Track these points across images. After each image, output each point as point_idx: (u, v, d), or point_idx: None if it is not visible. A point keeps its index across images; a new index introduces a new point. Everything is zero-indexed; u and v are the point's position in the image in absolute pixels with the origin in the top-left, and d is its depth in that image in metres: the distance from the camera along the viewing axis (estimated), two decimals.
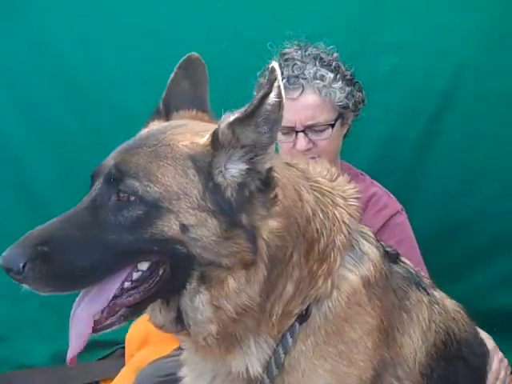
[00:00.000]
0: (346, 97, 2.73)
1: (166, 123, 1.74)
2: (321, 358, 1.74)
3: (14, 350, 3.86)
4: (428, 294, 2.01)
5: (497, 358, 2.32)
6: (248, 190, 1.57)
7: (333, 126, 2.70)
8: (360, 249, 1.82)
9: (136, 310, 1.61)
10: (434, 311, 2.00)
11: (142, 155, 1.56)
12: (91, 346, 3.75)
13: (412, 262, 2.53)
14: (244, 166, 1.57)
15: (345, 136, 2.87)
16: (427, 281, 2.10)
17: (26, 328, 3.86)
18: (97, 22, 3.67)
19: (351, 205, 1.83)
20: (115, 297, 1.58)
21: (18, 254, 1.48)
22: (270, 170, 1.58)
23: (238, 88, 2.91)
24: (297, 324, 1.71)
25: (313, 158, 2.65)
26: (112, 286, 1.57)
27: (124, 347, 3.62)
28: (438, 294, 2.10)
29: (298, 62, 2.68)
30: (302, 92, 2.64)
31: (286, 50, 2.74)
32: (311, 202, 1.71)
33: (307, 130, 2.65)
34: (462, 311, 2.16)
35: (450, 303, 2.13)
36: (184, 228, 1.52)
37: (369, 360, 1.79)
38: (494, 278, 3.63)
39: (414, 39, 3.46)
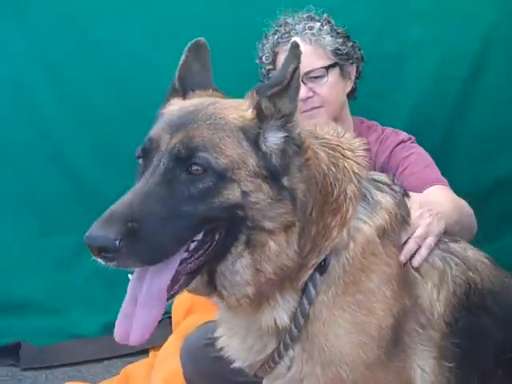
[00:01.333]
0: (338, 44, 2.81)
1: (198, 100, 1.81)
2: (340, 308, 1.81)
3: (66, 320, 3.96)
4: (443, 244, 2.03)
5: (418, 216, 2.09)
6: (288, 154, 1.69)
7: (327, 69, 2.77)
8: (373, 198, 1.88)
9: (193, 276, 1.70)
10: (450, 263, 2.00)
11: (203, 129, 1.65)
12: None
13: (417, 167, 2.66)
14: (283, 134, 1.70)
15: (351, 95, 2.94)
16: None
17: (78, 299, 3.95)
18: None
19: (359, 155, 1.90)
20: (178, 267, 1.65)
21: (111, 232, 1.50)
22: (299, 134, 1.71)
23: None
24: (317, 275, 1.78)
25: (316, 108, 2.77)
26: (175, 258, 1.63)
27: (171, 317, 3.74)
28: (459, 245, 2.08)
29: (290, 21, 2.82)
30: None
31: (279, 20, 2.87)
32: (325, 159, 1.79)
33: (305, 78, 2.72)
34: (487, 262, 2.12)
35: (474, 254, 2.10)
36: (245, 194, 1.63)
37: (388, 308, 1.84)
38: None
39: (441, 6, 3.46)
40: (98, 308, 3.97)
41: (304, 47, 2.61)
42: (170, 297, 1.67)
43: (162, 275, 1.63)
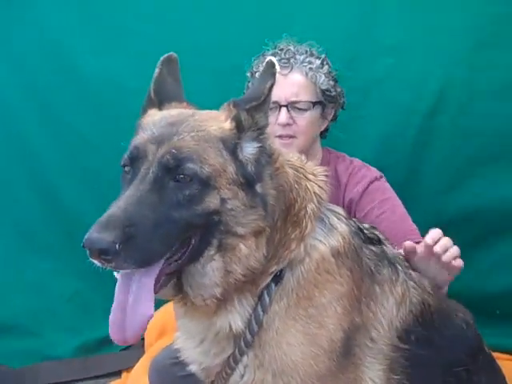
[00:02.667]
0: (330, 86, 2.95)
1: (177, 112, 1.94)
2: (292, 319, 1.91)
3: (40, 342, 4.00)
4: (401, 270, 2.17)
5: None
6: (261, 163, 1.84)
7: (314, 105, 2.89)
8: (330, 223, 2.02)
9: (171, 277, 1.83)
10: (409, 286, 2.16)
11: (188, 141, 1.79)
12: None
13: (397, 216, 2.76)
14: (257, 144, 1.87)
15: (322, 135, 3.08)
16: (404, 263, 2.25)
17: (52, 322, 4.00)
18: (108, 25, 3.82)
19: (321, 180, 2.04)
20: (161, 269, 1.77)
21: (111, 236, 1.60)
22: (270, 145, 1.89)
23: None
24: (273, 284, 1.89)
25: (290, 136, 2.88)
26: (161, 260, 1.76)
27: (143, 339, 3.77)
28: (415, 273, 2.25)
29: (291, 49, 2.94)
30: (291, 71, 2.88)
31: (281, 44, 2.98)
32: (291, 174, 1.95)
33: (290, 106, 2.85)
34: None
35: (427, 281, 2.26)
36: (223, 201, 1.78)
37: (338, 323, 1.94)
38: (493, 263, 3.74)
39: (407, 41, 3.58)
40: (72, 330, 4.03)
41: (299, 77, 2.85)
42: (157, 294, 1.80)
43: (150, 275, 1.74)
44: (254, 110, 1.85)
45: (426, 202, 3.58)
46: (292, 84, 2.86)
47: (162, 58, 2.04)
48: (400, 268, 2.18)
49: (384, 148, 3.65)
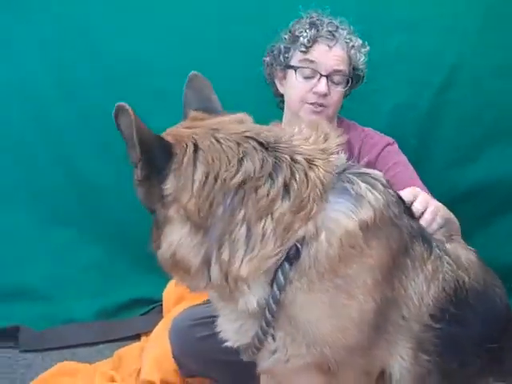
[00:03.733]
0: (362, 66, 3.03)
1: None
2: (318, 291, 1.88)
3: (60, 307, 4.09)
4: (435, 247, 2.10)
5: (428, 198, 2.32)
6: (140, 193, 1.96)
7: (348, 80, 2.97)
8: (356, 192, 1.92)
9: None
10: (443, 262, 2.09)
11: None
12: (132, 304, 4.16)
13: (408, 176, 2.80)
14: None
15: None
16: (439, 236, 2.19)
17: (72, 287, 4.10)
18: (129, 5, 3.86)
19: (330, 161, 1.96)
20: None
21: None
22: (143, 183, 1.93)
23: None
24: (286, 264, 1.86)
25: (322, 106, 2.93)
26: None
27: (162, 304, 3.92)
28: (451, 245, 2.18)
29: (333, 22, 2.98)
30: (336, 44, 2.93)
31: (315, 14, 3.01)
32: (254, 168, 1.87)
33: (330, 77, 2.91)
34: (475, 260, 2.23)
35: (465, 253, 2.21)
36: None
37: (369, 294, 1.91)
38: (507, 235, 3.83)
39: (421, 17, 3.65)
40: (91, 295, 4.13)
41: (341, 51, 2.92)
42: None
43: None
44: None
45: (438, 175, 3.62)
46: (336, 56, 2.92)
47: (186, 82, 2.15)
48: (435, 244, 2.12)
49: (396, 120, 3.71)
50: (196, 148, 1.89)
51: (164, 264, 1.96)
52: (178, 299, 3.71)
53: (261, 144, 1.92)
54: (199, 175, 1.86)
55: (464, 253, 2.21)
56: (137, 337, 3.95)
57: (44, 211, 4.12)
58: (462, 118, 3.74)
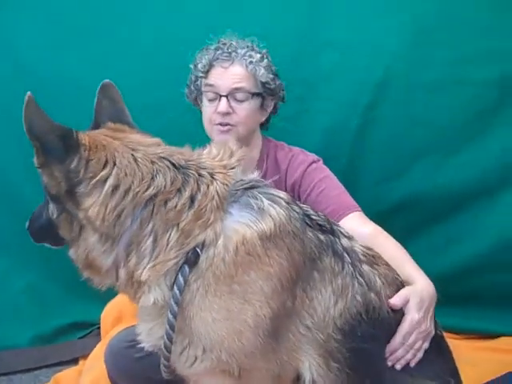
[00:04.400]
0: (269, 79, 3.04)
1: None
2: (214, 295, 2.00)
3: None
4: (349, 263, 2.20)
5: (410, 319, 2.28)
6: (44, 182, 2.08)
7: (252, 95, 2.99)
8: (259, 207, 2.07)
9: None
10: (353, 281, 2.19)
11: None
12: (70, 328, 4.10)
13: (336, 191, 2.88)
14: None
15: (263, 127, 3.19)
16: (358, 258, 2.26)
17: (7, 313, 4.07)
18: (62, 22, 3.89)
19: (228, 175, 2.13)
20: None
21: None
22: (43, 169, 2.05)
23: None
24: (186, 266, 1.98)
25: (229, 125, 2.97)
26: None
27: (99, 327, 3.90)
28: (370, 268, 2.27)
29: (233, 43, 3.03)
30: (232, 63, 2.97)
31: (224, 39, 3.08)
32: (165, 183, 2.03)
33: (230, 96, 2.95)
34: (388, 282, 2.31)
35: (383, 281, 2.29)
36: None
37: (265, 301, 2.02)
38: (432, 248, 3.90)
39: (350, 37, 3.74)
40: (27, 320, 4.10)
41: (240, 69, 2.96)
42: None
43: None
44: None
45: (368, 191, 3.70)
46: (233, 75, 2.97)
47: (98, 88, 2.23)
48: (349, 261, 2.21)
49: (328, 139, 3.78)
50: (114, 165, 2.03)
51: (77, 262, 2.12)
52: (115, 321, 3.72)
53: (173, 164, 2.08)
54: (107, 187, 2.00)
55: (378, 279, 2.30)
56: (75, 361, 3.93)
57: None
58: (391, 134, 3.83)
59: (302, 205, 2.30)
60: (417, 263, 2.52)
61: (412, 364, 2.26)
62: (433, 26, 3.73)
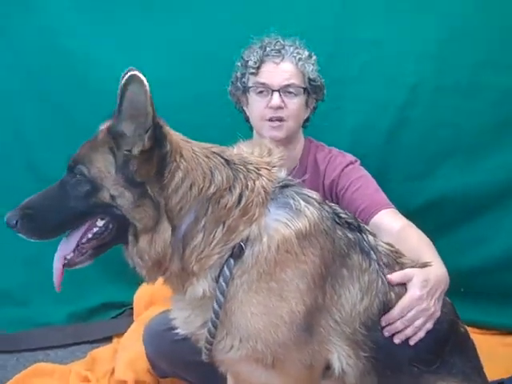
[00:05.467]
0: (315, 76, 3.15)
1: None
2: (254, 291, 2.12)
3: (33, 311, 4.24)
4: (375, 261, 2.30)
5: (410, 295, 2.33)
6: (133, 169, 2.06)
7: (304, 90, 3.09)
8: (296, 207, 2.18)
9: (98, 251, 2.20)
10: (378, 280, 2.30)
11: (85, 147, 2.14)
12: (103, 308, 4.25)
13: (371, 190, 2.96)
14: (126, 151, 2.07)
15: (304, 125, 3.25)
16: (381, 257, 2.35)
17: (45, 292, 4.09)
18: (100, 11, 4.01)
19: (272, 172, 2.25)
20: (82, 243, 2.15)
21: (12, 215, 2.09)
22: (143, 154, 2.05)
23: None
24: (231, 260, 2.11)
25: (282, 120, 3.05)
26: (77, 235, 2.15)
27: (132, 308, 4.06)
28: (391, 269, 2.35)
29: (280, 41, 3.11)
30: (283, 59, 3.06)
31: (267, 38, 3.16)
32: (223, 181, 2.13)
33: (282, 90, 3.03)
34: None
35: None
36: (112, 197, 2.07)
37: (300, 298, 2.14)
38: (460, 242, 4.02)
39: (383, 38, 3.83)
40: (64, 299, 4.17)
41: (290, 66, 3.05)
42: (78, 263, 2.21)
43: (64, 246, 2.17)
44: (115, 121, 2.07)
45: (396, 191, 3.67)
46: (284, 71, 3.05)
47: (124, 80, 2.21)
48: (374, 258, 2.31)
49: (359, 138, 3.88)
50: (181, 156, 2.12)
51: (149, 255, 2.12)
52: (148, 303, 3.87)
53: (226, 160, 2.20)
54: (177, 178, 2.09)
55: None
56: (108, 339, 4.08)
57: None
58: (420, 135, 3.93)
59: (331, 204, 2.42)
60: (443, 260, 2.57)
61: (412, 342, 2.32)
62: (463, 28, 3.81)
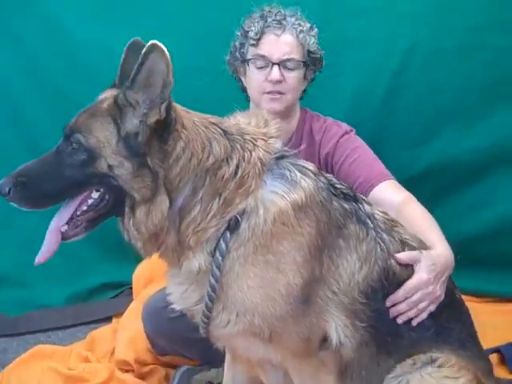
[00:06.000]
0: (315, 48, 3.08)
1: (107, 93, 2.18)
2: (251, 264, 2.10)
3: (32, 292, 4.22)
4: (372, 229, 2.28)
5: (417, 277, 2.33)
6: (143, 139, 2.02)
7: (304, 63, 3.03)
8: (292, 178, 2.15)
9: (93, 224, 2.15)
10: (377, 247, 2.28)
11: (83, 115, 2.08)
12: (102, 288, 4.22)
13: (369, 159, 2.92)
14: (137, 120, 2.02)
15: (301, 96, 3.19)
16: (378, 224, 2.33)
17: (43, 274, 4.16)
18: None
19: (269, 143, 2.22)
20: (77, 215, 2.11)
21: (5, 183, 2.04)
22: (156, 124, 2.01)
23: None
24: (227, 233, 2.08)
25: (281, 93, 3.00)
26: (72, 207, 2.10)
27: (131, 287, 4.02)
28: (388, 236, 2.34)
29: (282, 11, 3.04)
30: (284, 31, 2.99)
31: (268, 7, 3.08)
32: (221, 152, 2.10)
33: (282, 64, 2.97)
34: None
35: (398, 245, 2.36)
36: (111, 167, 2.02)
37: (297, 270, 2.12)
38: (458, 209, 3.99)
39: (376, 4, 3.79)
40: (62, 280, 4.25)
41: (291, 38, 2.98)
42: (73, 236, 2.15)
43: (59, 218, 2.12)
44: (126, 90, 2.02)
45: (394, 157, 3.67)
46: (285, 44, 2.98)
47: (127, 44, 2.21)
48: (371, 226, 2.30)
49: (355, 105, 3.83)
50: (182, 126, 2.08)
51: (145, 227, 2.07)
52: (146, 281, 3.83)
53: (223, 131, 2.15)
54: (179, 148, 2.05)
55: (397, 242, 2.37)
56: (108, 319, 4.06)
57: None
58: (417, 100, 3.87)
59: (327, 175, 2.38)
60: (441, 227, 2.55)
61: (414, 323, 2.33)
62: None
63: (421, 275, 2.33)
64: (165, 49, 1.92)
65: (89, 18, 3.98)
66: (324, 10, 3.75)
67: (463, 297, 2.59)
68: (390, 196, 2.72)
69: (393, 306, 2.31)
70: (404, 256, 2.33)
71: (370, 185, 2.80)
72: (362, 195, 2.43)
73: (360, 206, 2.33)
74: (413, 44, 3.81)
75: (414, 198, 2.72)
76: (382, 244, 2.31)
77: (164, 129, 2.03)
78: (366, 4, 3.81)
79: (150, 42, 1.92)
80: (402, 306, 2.30)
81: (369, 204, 2.38)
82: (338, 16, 3.80)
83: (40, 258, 2.14)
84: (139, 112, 2.01)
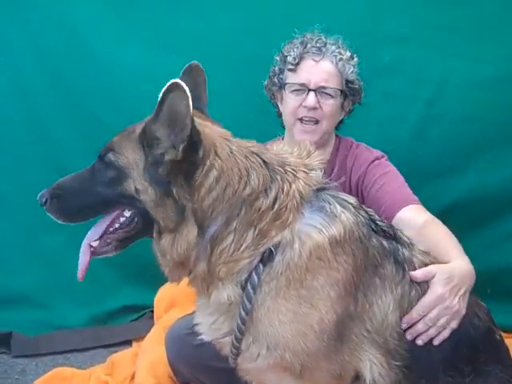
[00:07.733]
0: (354, 78, 3.04)
1: None
2: (283, 298, 2.04)
3: (53, 313, 4.17)
4: (408, 272, 2.22)
5: (431, 293, 2.26)
6: (163, 172, 2.00)
7: (341, 92, 2.98)
8: (331, 211, 2.11)
9: (122, 243, 2.15)
10: (412, 290, 2.23)
11: (119, 136, 2.11)
12: (123, 311, 4.19)
13: (397, 184, 2.85)
14: (160, 152, 2.01)
15: (337, 127, 3.16)
16: (417, 266, 2.27)
17: (64, 295, 4.16)
18: (126, 12, 3.97)
19: (310, 175, 2.16)
20: (108, 233, 2.13)
21: (44, 194, 2.09)
22: (175, 162, 1.98)
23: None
24: (260, 265, 2.03)
25: (315, 121, 2.96)
26: (105, 223, 2.12)
27: (153, 310, 3.99)
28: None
29: (322, 38, 3.01)
30: (323, 58, 2.96)
31: (309, 34, 3.06)
32: (259, 183, 2.05)
33: (318, 90, 2.93)
34: None
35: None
36: (137, 191, 2.03)
37: (331, 306, 2.06)
38: (488, 241, 3.92)
39: (410, 32, 3.77)
40: (83, 302, 4.20)
41: (330, 66, 2.95)
42: (102, 253, 2.16)
43: (92, 233, 2.14)
44: (150, 123, 2.02)
45: (426, 186, 3.67)
46: (322, 70, 2.95)
47: (184, 68, 2.23)
48: (408, 270, 2.24)
49: (386, 134, 3.80)
50: (216, 155, 2.04)
51: (171, 255, 2.06)
52: (168, 306, 3.81)
53: (264, 161, 2.10)
54: (212, 178, 2.01)
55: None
56: (128, 342, 4.02)
57: (35, 218, 4.13)
58: (450, 130, 3.84)
59: (367, 209, 2.32)
60: (471, 259, 2.47)
61: (436, 342, 2.26)
62: (488, 24, 3.75)
63: (435, 290, 2.26)
64: (186, 89, 1.89)
65: (119, 40, 3.99)
66: (356, 38, 3.66)
67: None
68: (413, 217, 2.64)
69: (410, 327, 2.23)
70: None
71: (395, 208, 2.72)
72: (401, 233, 2.35)
73: (399, 246, 2.27)
74: (445, 74, 3.79)
75: (437, 220, 2.64)
76: (417, 286, 2.26)
77: (190, 165, 2.00)
78: (399, 33, 3.79)
79: (172, 81, 1.91)
80: (420, 326, 2.22)
81: (408, 245, 2.32)
82: (370, 44, 3.77)
83: (79, 272, 2.16)
84: (163, 145, 2.01)
